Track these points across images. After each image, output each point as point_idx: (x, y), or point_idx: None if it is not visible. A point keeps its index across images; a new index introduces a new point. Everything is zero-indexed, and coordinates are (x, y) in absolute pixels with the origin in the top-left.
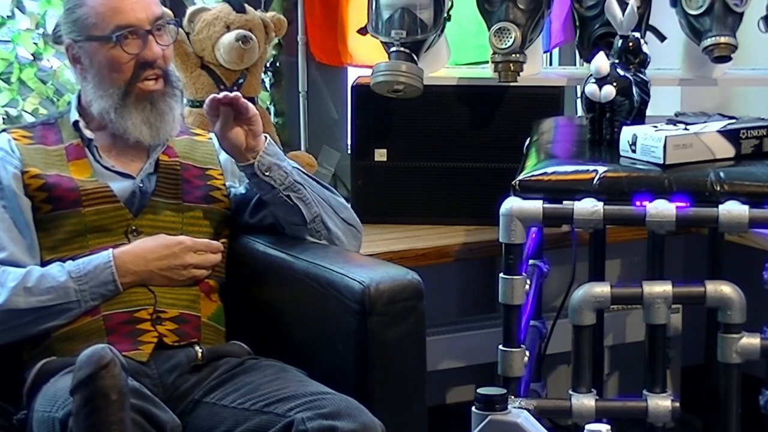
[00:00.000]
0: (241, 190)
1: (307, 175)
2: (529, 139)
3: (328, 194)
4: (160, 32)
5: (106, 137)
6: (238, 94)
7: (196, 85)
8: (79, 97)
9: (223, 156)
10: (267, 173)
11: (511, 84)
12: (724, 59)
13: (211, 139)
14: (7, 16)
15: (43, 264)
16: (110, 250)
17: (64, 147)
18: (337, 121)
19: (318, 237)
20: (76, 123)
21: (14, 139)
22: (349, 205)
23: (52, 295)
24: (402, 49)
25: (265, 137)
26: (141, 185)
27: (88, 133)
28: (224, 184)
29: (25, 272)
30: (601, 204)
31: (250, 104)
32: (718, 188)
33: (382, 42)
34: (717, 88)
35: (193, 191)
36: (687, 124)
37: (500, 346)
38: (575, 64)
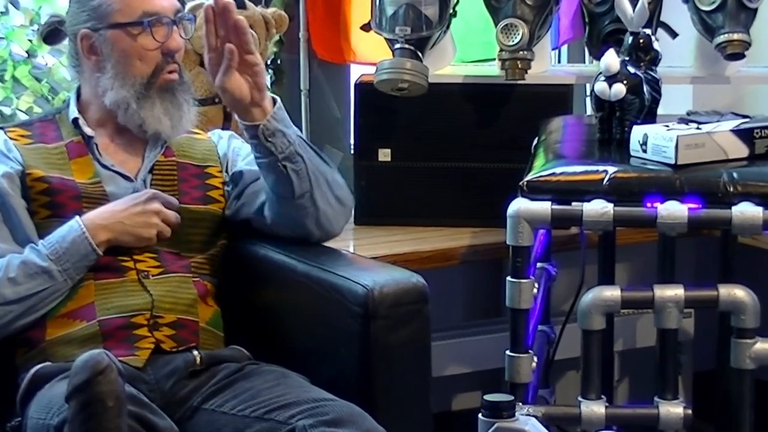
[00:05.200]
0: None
1: (310, 146)
2: (536, 138)
3: (325, 169)
4: (180, 25)
5: (105, 135)
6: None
7: (195, 83)
8: (78, 94)
9: (222, 150)
10: (270, 139)
11: (519, 82)
12: (737, 56)
13: (210, 137)
14: (1, 13)
15: None
16: (76, 217)
17: (64, 144)
18: (340, 120)
19: (303, 213)
20: (75, 120)
21: (12, 138)
22: (344, 182)
23: (37, 281)
24: (406, 46)
25: (275, 100)
26: (138, 188)
27: (88, 131)
28: (222, 183)
29: (5, 263)
30: (610, 205)
31: (253, 48)
32: (731, 189)
33: (386, 39)
34: (730, 87)
35: (191, 192)
36: (699, 123)
37: (507, 352)
38: (584, 62)
